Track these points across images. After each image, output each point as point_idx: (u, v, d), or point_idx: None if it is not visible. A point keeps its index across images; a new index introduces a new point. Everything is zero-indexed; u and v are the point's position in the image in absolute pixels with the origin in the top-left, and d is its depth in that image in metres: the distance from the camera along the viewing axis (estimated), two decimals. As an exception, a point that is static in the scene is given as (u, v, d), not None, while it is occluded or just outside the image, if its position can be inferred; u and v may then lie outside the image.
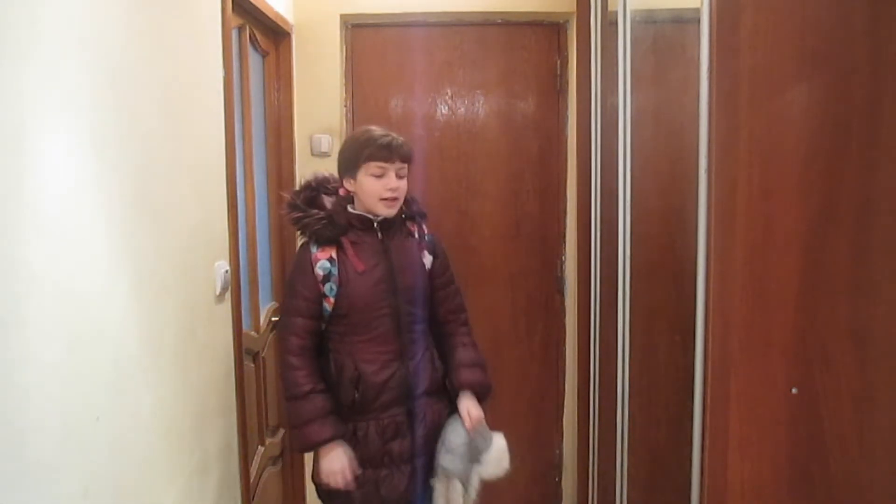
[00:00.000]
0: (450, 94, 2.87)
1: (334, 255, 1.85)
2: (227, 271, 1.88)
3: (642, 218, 1.83)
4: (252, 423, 2.23)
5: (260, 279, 2.40)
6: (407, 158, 1.87)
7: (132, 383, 1.32)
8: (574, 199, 2.74)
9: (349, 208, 1.88)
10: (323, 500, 1.96)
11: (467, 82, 2.86)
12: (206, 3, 1.78)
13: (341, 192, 1.91)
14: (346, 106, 2.81)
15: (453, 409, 1.96)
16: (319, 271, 1.85)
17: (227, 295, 1.92)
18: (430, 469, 1.92)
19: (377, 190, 1.83)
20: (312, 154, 2.77)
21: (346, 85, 2.81)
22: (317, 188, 1.93)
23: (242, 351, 2.04)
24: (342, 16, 2.76)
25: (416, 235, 1.97)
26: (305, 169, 2.75)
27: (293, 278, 1.90)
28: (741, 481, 1.29)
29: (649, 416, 1.88)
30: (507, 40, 2.85)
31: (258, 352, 2.37)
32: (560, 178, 2.90)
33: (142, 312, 1.36)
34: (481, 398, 1.95)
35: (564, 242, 2.92)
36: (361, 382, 1.85)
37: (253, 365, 2.29)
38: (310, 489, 2.87)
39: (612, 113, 2.01)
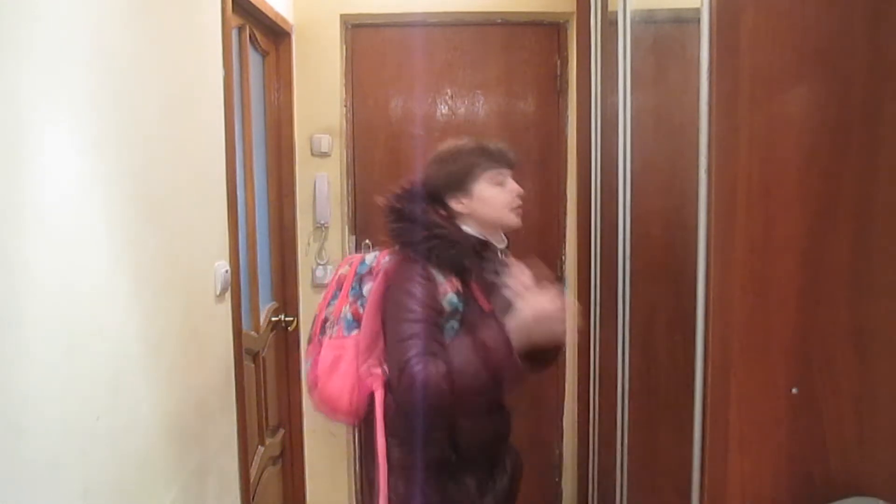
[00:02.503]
0: (450, 94, 2.87)
1: (461, 287, 1.51)
2: (227, 271, 1.88)
3: (642, 218, 1.83)
4: (252, 423, 2.23)
5: (260, 279, 2.40)
6: (516, 165, 1.66)
7: (132, 383, 1.32)
8: (574, 199, 2.74)
9: (466, 230, 1.57)
10: None
11: (467, 82, 2.86)
12: (206, 3, 1.78)
13: (440, 213, 1.58)
14: (346, 106, 2.81)
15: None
16: (447, 306, 1.48)
17: (227, 295, 1.92)
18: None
19: (503, 198, 1.59)
20: (312, 154, 2.77)
21: (346, 85, 2.81)
22: (431, 194, 1.59)
23: (242, 351, 2.04)
24: (342, 16, 2.76)
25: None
26: (305, 169, 2.76)
27: (409, 306, 1.46)
28: (741, 481, 1.29)
29: (649, 416, 1.88)
30: (507, 40, 2.85)
31: (258, 352, 2.37)
32: (560, 178, 2.90)
33: (142, 312, 1.36)
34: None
35: (564, 242, 2.92)
36: (460, 437, 1.56)
37: (253, 365, 2.29)
38: (310, 489, 2.88)
39: (612, 113, 2.01)
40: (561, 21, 2.83)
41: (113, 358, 1.25)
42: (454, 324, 1.49)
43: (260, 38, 2.42)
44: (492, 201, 1.59)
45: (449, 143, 1.68)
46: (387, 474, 1.48)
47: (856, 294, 1.26)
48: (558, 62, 2.86)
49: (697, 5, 1.26)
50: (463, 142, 1.65)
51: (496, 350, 1.38)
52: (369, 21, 2.80)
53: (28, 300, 0.99)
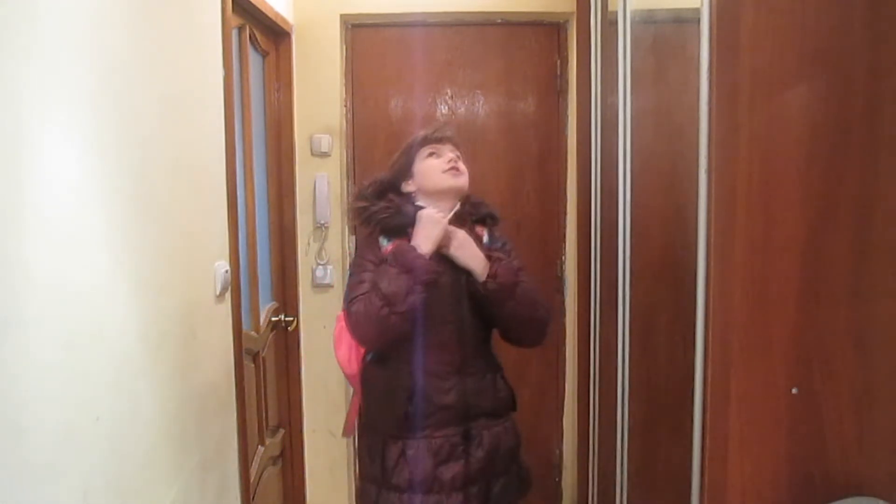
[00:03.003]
0: (450, 94, 2.87)
1: None
2: (227, 271, 1.88)
3: (642, 218, 1.83)
4: (252, 423, 2.23)
5: (260, 279, 2.40)
6: (458, 144, 1.83)
7: (132, 383, 1.32)
8: (574, 199, 2.74)
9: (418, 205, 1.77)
10: None
11: (467, 82, 2.86)
12: (206, 3, 1.78)
13: (399, 197, 1.80)
14: (346, 106, 2.81)
15: (516, 436, 1.80)
16: None
17: (227, 295, 1.92)
18: (484, 500, 1.73)
19: (436, 166, 1.75)
20: (312, 154, 2.77)
21: (346, 85, 2.81)
22: (389, 184, 1.82)
23: (242, 351, 2.04)
24: (342, 16, 2.76)
25: (485, 241, 1.81)
26: (305, 169, 2.76)
27: (360, 265, 1.74)
28: (741, 481, 1.29)
29: (649, 416, 1.88)
30: (507, 40, 2.85)
31: (258, 352, 2.37)
32: (560, 178, 2.90)
33: (142, 312, 1.36)
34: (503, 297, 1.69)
35: (564, 242, 2.92)
36: (416, 394, 1.69)
37: (253, 365, 2.30)
38: (310, 489, 2.88)
39: (612, 113, 2.01)
40: (561, 21, 2.83)
41: (113, 358, 1.25)
42: None
43: (260, 38, 2.42)
44: (427, 171, 1.78)
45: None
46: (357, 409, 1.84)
47: (856, 294, 1.26)
48: (558, 62, 2.86)
49: (697, 5, 1.26)
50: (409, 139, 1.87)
51: (407, 253, 1.65)
52: (369, 21, 2.80)
53: (28, 300, 0.99)
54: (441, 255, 1.70)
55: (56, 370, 1.05)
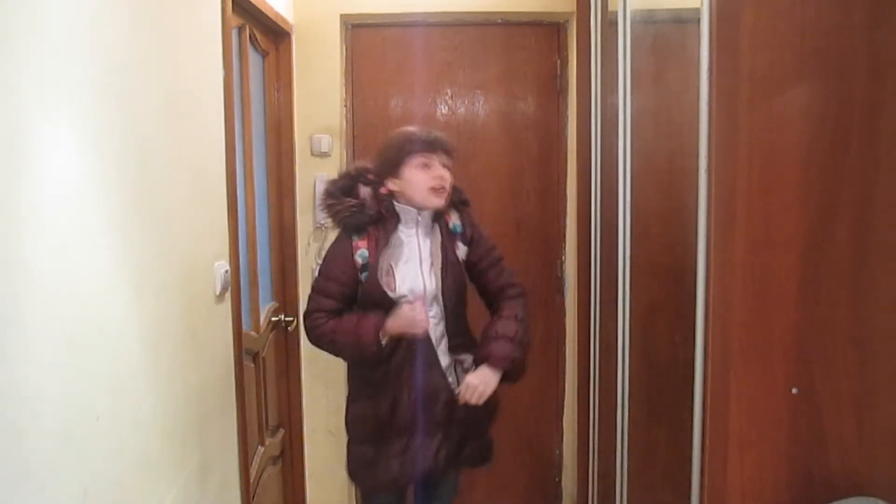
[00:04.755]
0: (450, 94, 2.87)
1: (369, 245, 1.87)
2: (227, 271, 1.88)
3: (642, 218, 1.83)
4: (252, 423, 2.23)
5: (260, 279, 2.40)
6: (450, 150, 1.88)
7: (132, 383, 1.32)
8: (574, 199, 2.74)
9: (395, 203, 1.89)
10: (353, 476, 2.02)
11: (467, 82, 2.86)
12: (206, 3, 1.78)
13: (383, 191, 1.90)
14: (346, 106, 2.81)
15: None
16: (359, 259, 1.87)
17: (227, 295, 1.92)
18: (461, 437, 1.93)
19: (424, 180, 1.83)
20: (312, 154, 2.77)
21: (346, 85, 2.81)
22: (356, 177, 1.92)
23: (242, 351, 2.04)
24: (342, 16, 2.76)
25: (451, 226, 1.95)
26: (305, 169, 2.76)
27: (329, 261, 1.91)
28: (741, 481, 1.29)
29: (649, 415, 1.88)
30: (507, 40, 2.85)
31: (258, 352, 2.37)
32: (560, 178, 2.90)
33: (142, 312, 1.36)
34: (509, 376, 1.91)
35: (564, 242, 2.91)
36: (388, 352, 1.85)
37: (253, 365, 2.29)
38: (310, 489, 2.88)
39: (612, 113, 2.01)
40: (561, 21, 2.83)
41: (113, 358, 1.25)
42: (365, 274, 1.86)
43: (260, 38, 2.42)
44: (415, 183, 1.84)
45: (394, 133, 1.96)
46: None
47: (856, 293, 1.26)
48: (558, 62, 2.86)
49: (697, 5, 1.26)
50: (401, 131, 1.92)
51: (366, 330, 1.81)
52: (369, 21, 2.80)
53: (28, 300, 0.99)
54: (413, 244, 1.89)
55: (56, 370, 1.05)
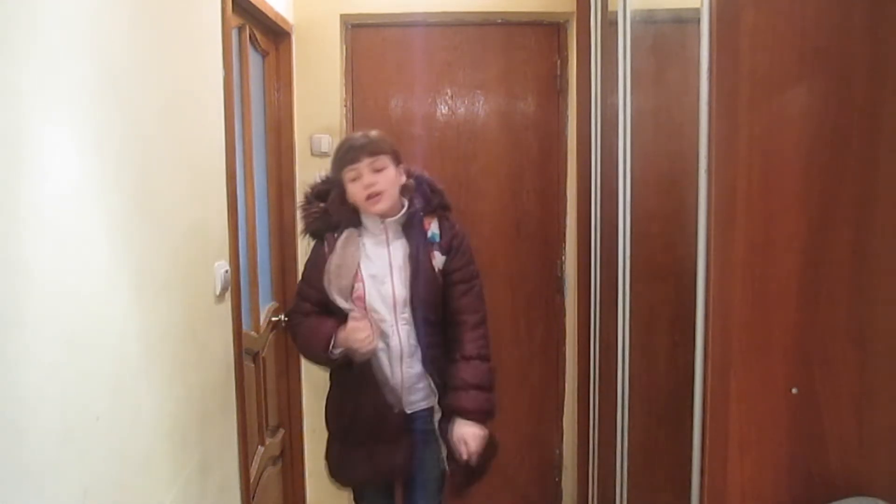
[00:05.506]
0: (450, 94, 2.87)
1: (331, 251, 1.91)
2: (227, 271, 1.88)
3: (642, 218, 1.83)
4: (252, 423, 2.23)
5: (260, 279, 2.40)
6: (375, 151, 1.83)
7: (132, 383, 1.32)
8: (574, 199, 2.74)
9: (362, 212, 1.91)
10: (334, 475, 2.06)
11: (467, 82, 2.86)
12: (205, 3, 1.78)
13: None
14: (346, 106, 2.81)
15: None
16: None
17: (227, 295, 1.92)
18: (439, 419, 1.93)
19: (358, 192, 1.84)
20: (312, 154, 2.77)
21: (346, 85, 2.81)
22: (332, 183, 1.93)
23: (242, 351, 2.04)
24: (342, 16, 2.76)
25: (429, 236, 1.91)
26: (305, 169, 2.75)
27: (307, 264, 1.98)
28: (741, 481, 1.29)
29: (649, 416, 1.88)
30: (507, 40, 2.85)
31: (258, 352, 2.37)
32: (560, 178, 2.90)
33: (142, 312, 1.36)
34: (481, 422, 1.88)
35: (564, 242, 2.91)
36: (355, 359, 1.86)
37: (253, 365, 2.29)
38: (310, 489, 2.88)
39: (612, 113, 2.01)
40: (561, 21, 2.83)
41: (113, 358, 1.24)
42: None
43: (260, 38, 2.42)
44: (352, 195, 1.87)
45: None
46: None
47: (856, 293, 1.26)
48: (558, 62, 2.86)
49: (697, 5, 1.26)
50: (340, 141, 1.96)
51: (319, 338, 1.86)
52: (369, 21, 2.80)
53: (28, 300, 0.98)
54: (380, 249, 1.90)
55: (56, 370, 1.05)
